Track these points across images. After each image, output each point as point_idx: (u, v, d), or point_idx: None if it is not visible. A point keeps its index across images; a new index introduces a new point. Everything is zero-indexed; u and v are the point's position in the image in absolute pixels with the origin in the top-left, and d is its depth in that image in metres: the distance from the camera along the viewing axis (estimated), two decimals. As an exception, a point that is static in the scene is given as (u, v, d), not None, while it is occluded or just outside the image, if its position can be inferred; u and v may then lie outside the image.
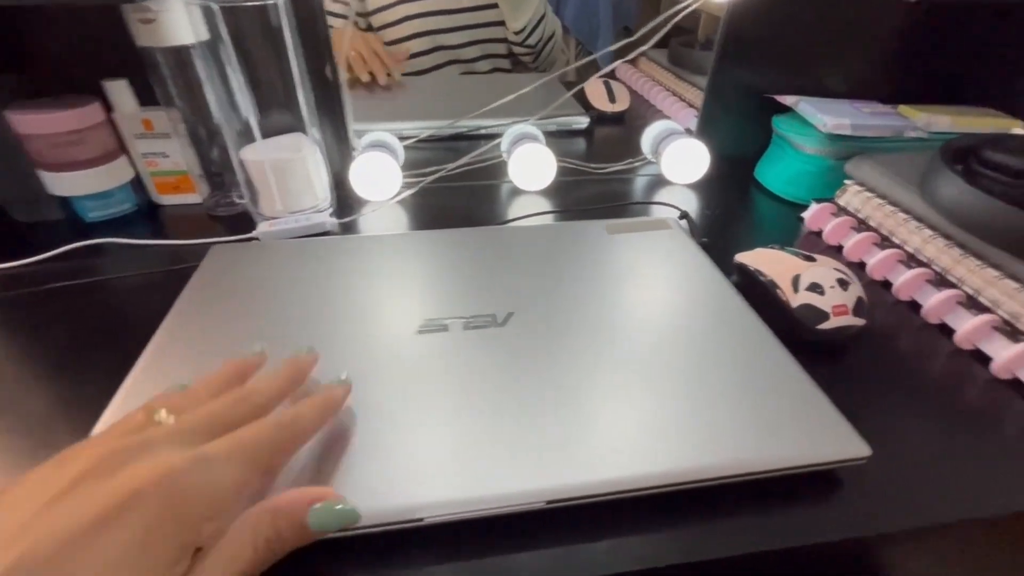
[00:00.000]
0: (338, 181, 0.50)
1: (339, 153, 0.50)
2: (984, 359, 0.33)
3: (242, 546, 0.17)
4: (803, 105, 0.49)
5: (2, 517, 0.15)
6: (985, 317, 0.32)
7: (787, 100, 0.50)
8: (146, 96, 0.44)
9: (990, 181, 0.37)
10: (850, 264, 0.42)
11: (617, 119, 0.74)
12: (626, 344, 0.30)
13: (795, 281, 0.34)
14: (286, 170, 0.44)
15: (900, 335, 0.36)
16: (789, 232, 0.48)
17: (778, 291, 0.34)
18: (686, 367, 0.28)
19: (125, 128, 0.45)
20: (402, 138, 0.57)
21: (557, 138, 0.66)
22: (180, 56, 0.41)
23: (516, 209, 0.51)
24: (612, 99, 0.74)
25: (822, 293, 0.33)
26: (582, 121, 0.67)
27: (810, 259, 0.35)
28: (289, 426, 0.20)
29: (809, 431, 0.25)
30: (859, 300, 0.33)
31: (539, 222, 0.48)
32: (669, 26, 0.47)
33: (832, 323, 0.32)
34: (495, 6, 0.88)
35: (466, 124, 0.63)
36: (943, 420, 0.29)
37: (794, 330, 0.33)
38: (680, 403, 0.26)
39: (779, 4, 0.49)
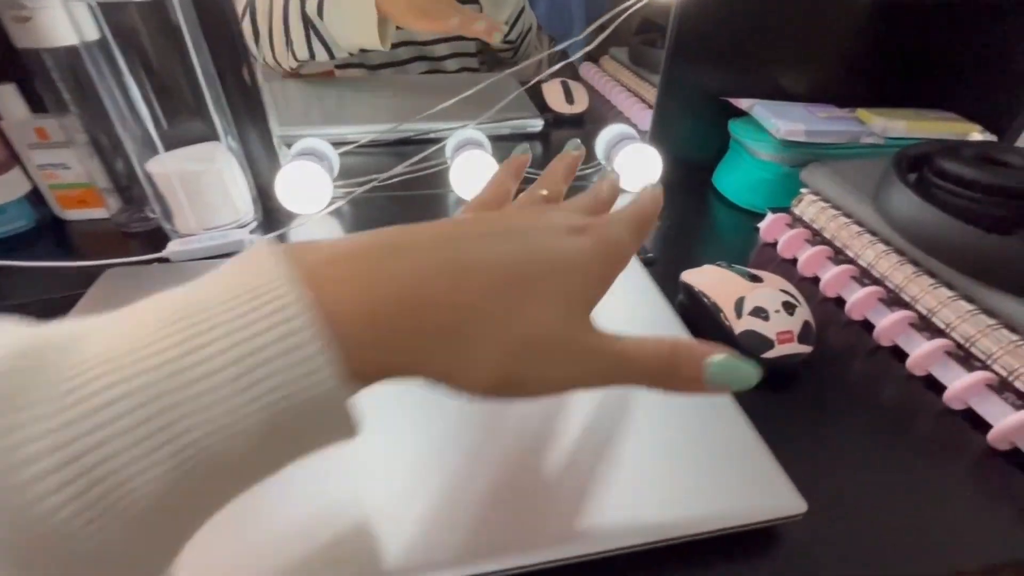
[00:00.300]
0: (266, 193, 0.46)
1: (266, 162, 0.46)
2: (938, 386, 0.31)
3: (645, 356, 0.18)
4: (758, 109, 0.46)
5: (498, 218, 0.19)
6: (938, 342, 0.30)
7: (742, 103, 0.48)
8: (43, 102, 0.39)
9: (944, 193, 0.35)
10: (804, 280, 0.40)
11: (576, 121, 0.71)
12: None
13: (738, 305, 0.31)
14: (197, 183, 0.40)
15: (852, 359, 0.33)
16: (745, 243, 0.46)
17: (721, 315, 0.31)
18: (620, 417, 0.26)
19: (16, 137, 0.41)
20: (341, 143, 0.53)
21: (510, 142, 0.63)
22: (68, 58, 0.37)
23: (459, 220, 0.48)
24: (570, 100, 0.71)
25: (766, 318, 0.30)
26: (536, 124, 0.63)
27: (756, 280, 0.32)
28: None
29: (747, 487, 0.23)
30: (806, 325, 0.31)
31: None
32: (608, 31, 0.44)
33: (776, 351, 0.30)
34: (475, 1, 0.85)
35: (410, 128, 0.59)
36: (890, 458, 0.27)
37: (731, 341, 0.31)
38: (612, 462, 0.24)
39: (731, 1, 0.47)
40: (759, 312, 0.30)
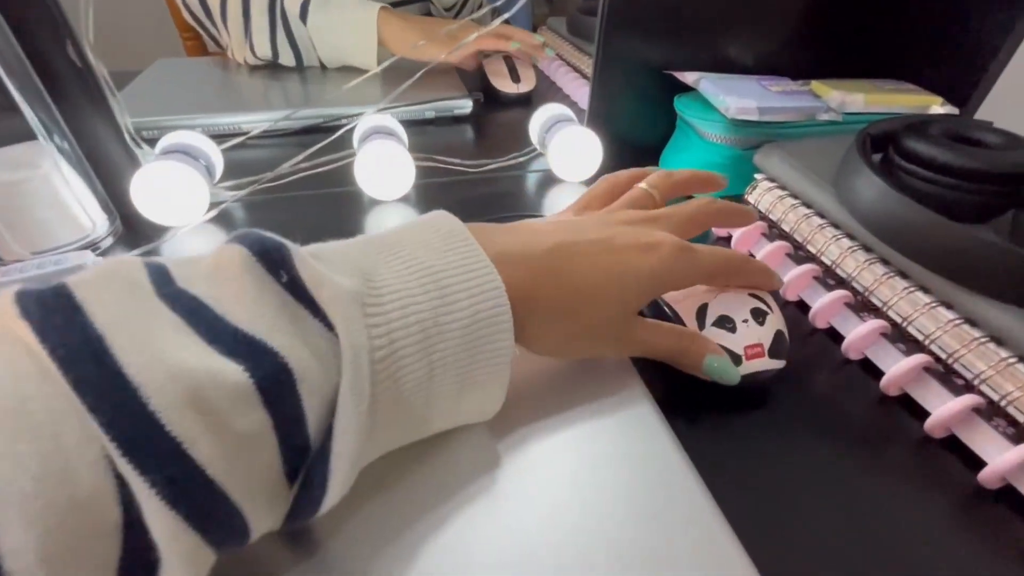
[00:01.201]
0: (123, 202, 0.37)
1: (120, 164, 0.37)
2: (915, 407, 0.27)
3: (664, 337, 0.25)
4: (705, 84, 0.41)
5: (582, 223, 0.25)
6: (916, 359, 0.26)
7: (687, 78, 0.42)
8: None
9: (913, 178, 0.31)
10: (761, 280, 0.36)
11: (523, 102, 0.64)
12: (479, 444, 0.21)
13: (700, 314, 0.26)
14: (15, 196, 0.32)
15: (817, 374, 0.29)
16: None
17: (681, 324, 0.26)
18: (568, 485, 0.20)
19: None
20: (230, 135, 0.44)
21: (436, 126, 0.56)
22: None
23: (372, 224, 0.41)
24: (516, 78, 0.64)
25: (733, 330, 0.26)
26: (464, 105, 0.56)
27: (716, 284, 0.27)
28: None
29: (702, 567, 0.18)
30: (778, 336, 0.26)
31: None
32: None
33: (744, 368, 0.25)
34: None
35: (312, 114, 0.51)
36: (861, 498, 0.23)
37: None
38: (558, 539, 0.18)
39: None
40: (724, 323, 0.26)
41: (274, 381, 0.14)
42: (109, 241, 0.37)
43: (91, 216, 0.35)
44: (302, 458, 0.16)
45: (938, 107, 0.42)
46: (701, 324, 0.26)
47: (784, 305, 0.33)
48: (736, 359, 0.25)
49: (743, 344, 0.26)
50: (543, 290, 0.21)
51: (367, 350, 0.16)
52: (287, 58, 0.60)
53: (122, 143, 0.37)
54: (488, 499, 0.20)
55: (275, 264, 0.16)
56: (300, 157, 0.40)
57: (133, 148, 0.37)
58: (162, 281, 0.15)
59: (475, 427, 0.22)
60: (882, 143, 0.34)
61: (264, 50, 0.59)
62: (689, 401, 0.26)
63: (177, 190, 0.37)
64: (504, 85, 0.63)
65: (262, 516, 0.15)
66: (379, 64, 0.54)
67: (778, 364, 0.26)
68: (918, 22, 0.47)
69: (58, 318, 0.13)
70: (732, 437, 0.25)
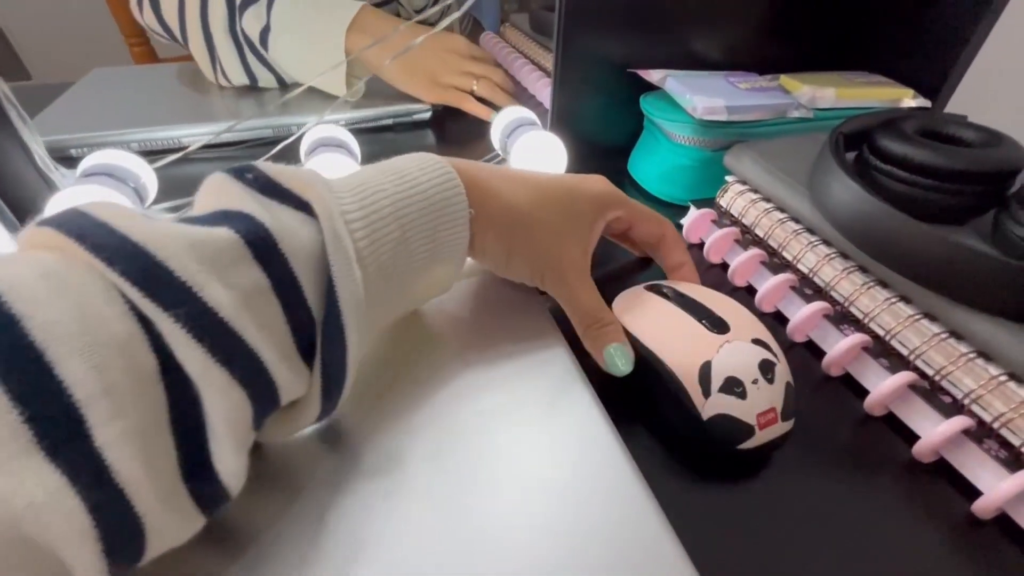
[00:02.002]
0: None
1: (30, 189, 0.34)
2: (900, 426, 0.25)
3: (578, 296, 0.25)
4: (671, 82, 0.39)
5: None
6: (900, 377, 0.24)
7: (652, 76, 0.40)
8: None
9: (889, 178, 0.29)
10: (736, 290, 0.34)
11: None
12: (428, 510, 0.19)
13: (704, 376, 0.22)
14: (-98, 234, 0.28)
15: (797, 395, 0.27)
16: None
17: (685, 397, 0.22)
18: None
19: None
20: (168, 151, 0.41)
21: (394, 133, 0.53)
22: None
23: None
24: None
25: (743, 396, 0.22)
26: (423, 110, 0.53)
27: (718, 325, 0.23)
28: None
29: None
30: (788, 390, 0.23)
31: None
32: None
33: (757, 440, 0.22)
34: None
35: (255, 126, 0.48)
36: (846, 536, 0.21)
37: (705, 445, 0.23)
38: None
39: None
40: (733, 387, 0.22)
41: (256, 236, 0.16)
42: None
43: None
44: (309, 330, 0.18)
45: (910, 100, 0.41)
46: (706, 390, 0.22)
47: (760, 317, 0.31)
48: (748, 432, 0.22)
49: (755, 412, 0.22)
50: (493, 180, 0.24)
51: (340, 214, 0.18)
52: (267, 81, 0.54)
53: (34, 167, 0.33)
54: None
55: (241, 171, 0.18)
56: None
57: (47, 172, 0.34)
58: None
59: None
60: (856, 142, 0.32)
61: (239, 77, 0.53)
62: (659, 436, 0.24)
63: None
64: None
65: (284, 374, 0.17)
66: (354, 93, 0.50)
67: (788, 426, 0.23)
68: (886, 12, 0.46)
69: (70, 218, 0.15)
70: (704, 467, 0.23)
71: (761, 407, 0.22)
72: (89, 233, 0.14)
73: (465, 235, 0.23)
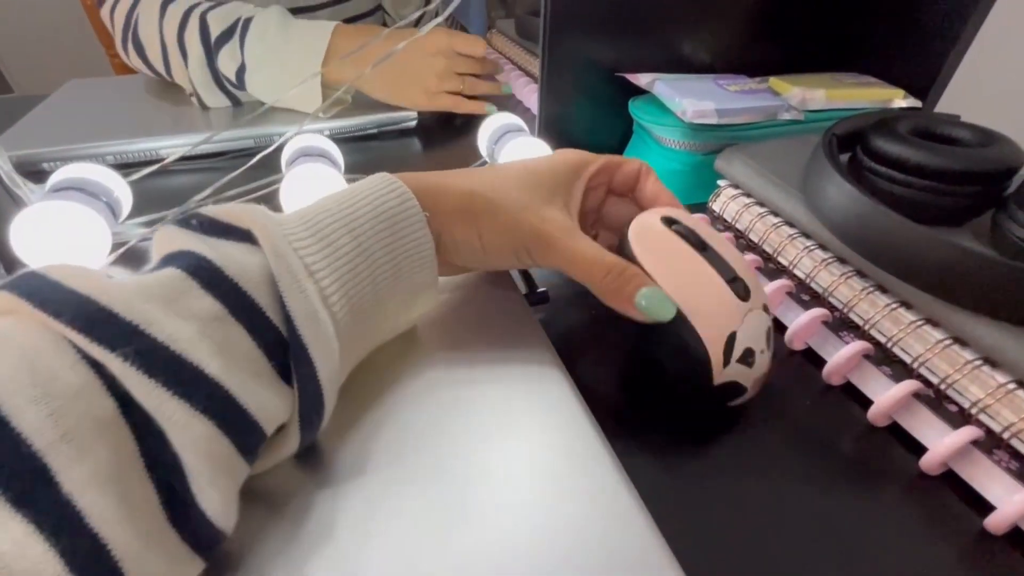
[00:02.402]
0: (5, 251, 0.32)
1: (8, 206, 0.32)
2: (907, 437, 0.24)
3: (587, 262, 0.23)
4: (659, 86, 0.38)
5: None
6: (904, 386, 0.23)
7: (640, 79, 0.40)
8: None
9: (884, 180, 0.28)
10: (732, 297, 0.33)
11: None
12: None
13: (728, 347, 0.22)
14: None
15: (797, 405, 0.26)
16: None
17: (704, 366, 0.22)
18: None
19: None
20: (144, 163, 0.39)
21: (379, 141, 0.52)
22: None
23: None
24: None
25: (751, 364, 0.23)
26: (408, 118, 0.52)
27: (745, 294, 0.23)
28: None
29: None
30: (771, 351, 0.24)
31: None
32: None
33: (744, 397, 0.24)
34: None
35: (233, 136, 0.46)
36: (851, 552, 0.20)
37: (696, 401, 0.25)
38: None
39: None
40: (747, 357, 0.23)
41: (199, 267, 0.17)
42: (-10, 297, 0.31)
43: (-38, 271, 0.30)
44: (284, 353, 0.17)
45: (901, 100, 0.40)
46: (727, 360, 0.22)
47: (758, 324, 0.31)
48: (742, 392, 0.23)
49: (754, 378, 0.23)
50: (446, 178, 0.24)
51: (282, 236, 0.18)
52: (250, 100, 0.53)
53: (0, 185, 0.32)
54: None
55: (187, 219, 0.18)
56: (218, 184, 0.35)
57: (13, 188, 0.32)
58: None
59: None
60: (849, 143, 0.32)
61: (216, 101, 0.52)
62: (655, 428, 0.23)
63: (70, 233, 0.32)
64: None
65: (258, 399, 0.16)
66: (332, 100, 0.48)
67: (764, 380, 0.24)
68: (874, 11, 0.45)
69: (24, 279, 0.15)
70: (705, 475, 0.22)
71: (759, 373, 0.23)
72: (38, 291, 0.15)
73: (426, 238, 0.22)
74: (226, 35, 0.48)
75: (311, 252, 0.18)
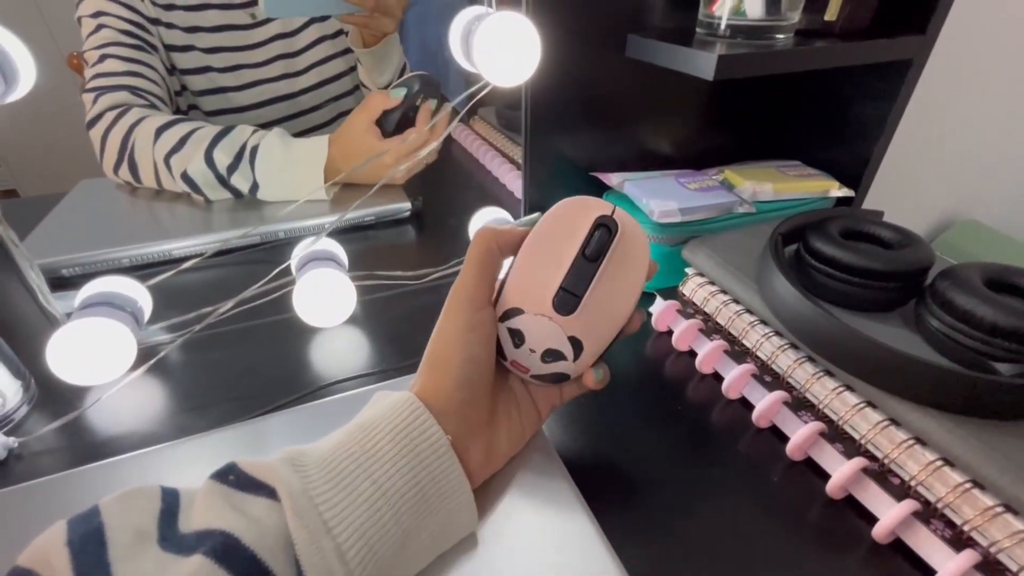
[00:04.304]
0: (37, 364, 0.34)
1: (29, 322, 0.35)
2: (861, 509, 0.28)
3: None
4: (629, 187, 0.43)
5: None
6: (854, 463, 0.27)
7: (611, 180, 0.45)
8: None
9: (822, 275, 0.33)
10: (705, 377, 0.37)
11: (465, 197, 0.66)
12: None
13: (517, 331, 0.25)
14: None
15: (767, 474, 0.30)
16: (641, 332, 0.42)
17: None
18: None
19: None
20: (159, 264, 0.43)
21: (375, 230, 0.56)
22: None
23: (313, 352, 0.40)
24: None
25: (530, 352, 0.26)
26: (403, 209, 0.57)
27: (560, 308, 0.25)
28: None
29: None
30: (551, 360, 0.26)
31: (353, 387, 0.36)
32: (467, 107, 0.38)
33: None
34: (353, 68, 0.77)
35: (247, 235, 0.50)
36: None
37: None
38: None
39: (576, 81, 0.44)
40: (518, 341, 0.26)
41: (224, 553, 0.18)
42: (23, 411, 0.34)
43: (1, 388, 0.32)
44: None
45: (836, 190, 0.46)
46: (516, 341, 0.26)
47: (727, 404, 0.34)
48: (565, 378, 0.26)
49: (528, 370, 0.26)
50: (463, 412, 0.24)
51: (302, 491, 0.20)
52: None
53: (35, 303, 0.35)
54: None
55: (225, 473, 0.20)
56: (238, 298, 0.39)
57: (47, 307, 0.35)
58: (165, 523, 0.19)
59: None
60: (793, 238, 0.37)
61: (217, 194, 0.57)
62: (626, 510, 0.26)
63: (100, 347, 0.35)
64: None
65: None
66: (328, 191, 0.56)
67: None
68: (810, 108, 0.52)
69: (87, 552, 0.17)
70: (679, 554, 0.25)
71: (537, 371, 0.26)
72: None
73: (452, 463, 0.22)
74: (234, 164, 0.54)
75: (331, 505, 0.20)
